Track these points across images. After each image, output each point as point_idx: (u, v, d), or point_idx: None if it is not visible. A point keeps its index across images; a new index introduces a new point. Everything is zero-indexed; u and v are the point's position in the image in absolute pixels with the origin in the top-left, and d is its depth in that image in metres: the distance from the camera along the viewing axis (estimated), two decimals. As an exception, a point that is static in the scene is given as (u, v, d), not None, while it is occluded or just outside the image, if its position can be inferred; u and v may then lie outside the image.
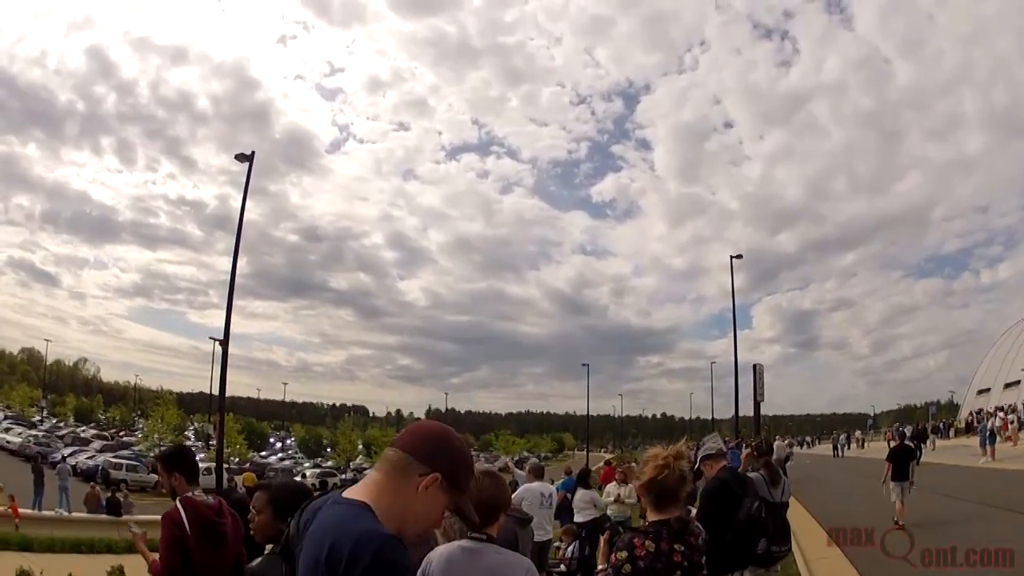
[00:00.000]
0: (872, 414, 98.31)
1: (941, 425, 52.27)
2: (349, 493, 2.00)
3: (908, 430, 32.59)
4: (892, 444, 16.15)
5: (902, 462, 14.01)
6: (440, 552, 3.22)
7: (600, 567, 5.93)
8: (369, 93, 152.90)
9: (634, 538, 3.50)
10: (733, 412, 40.12)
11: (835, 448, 51.93)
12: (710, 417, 73.19)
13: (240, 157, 22.69)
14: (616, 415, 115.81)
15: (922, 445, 30.46)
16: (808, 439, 77.84)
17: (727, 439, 21.28)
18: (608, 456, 43.63)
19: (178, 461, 4.31)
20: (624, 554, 3.44)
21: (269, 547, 3.49)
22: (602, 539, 7.41)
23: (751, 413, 42.05)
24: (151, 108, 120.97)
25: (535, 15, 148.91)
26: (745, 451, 9.72)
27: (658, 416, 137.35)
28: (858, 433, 66.14)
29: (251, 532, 3.60)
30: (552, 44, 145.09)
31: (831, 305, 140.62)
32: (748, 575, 5.57)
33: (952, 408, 76.56)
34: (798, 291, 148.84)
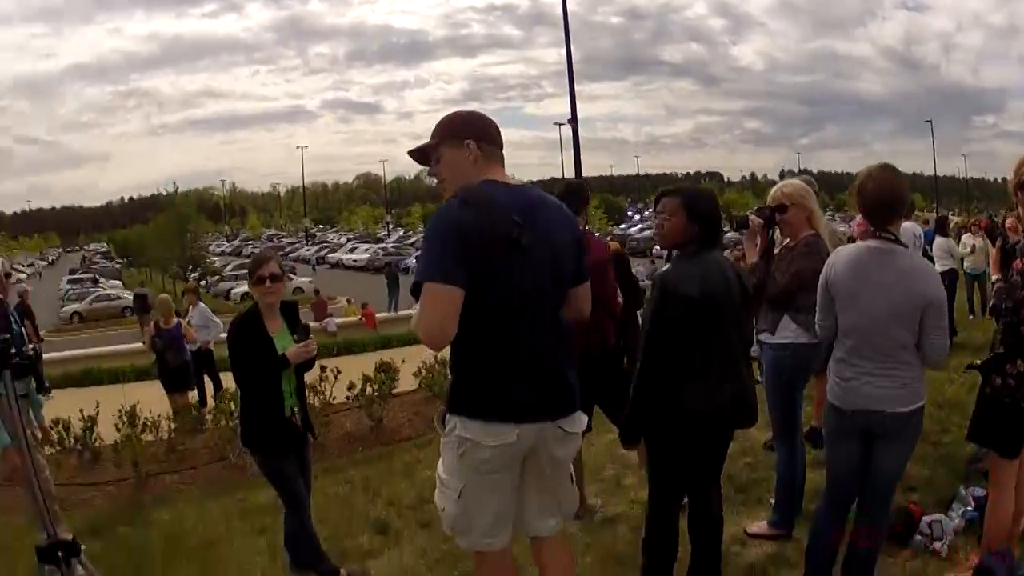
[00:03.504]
0: None
1: None
2: None
3: None
4: None
5: None
6: (847, 251, 3.42)
7: (994, 277, 6.08)
8: None
9: None
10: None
11: None
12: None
13: None
14: (960, 176, 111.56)
15: None
16: None
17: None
18: (956, 219, 39.95)
19: None
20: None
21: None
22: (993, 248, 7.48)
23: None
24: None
25: None
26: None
27: (999, 180, 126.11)
28: None
29: (662, 240, 3.76)
30: None
31: None
32: None
33: None
34: None
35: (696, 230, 3.53)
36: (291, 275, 25.21)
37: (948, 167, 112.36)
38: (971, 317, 12.97)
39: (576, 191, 4.94)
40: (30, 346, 3.37)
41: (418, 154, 3.04)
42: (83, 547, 2.36)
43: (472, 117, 3.00)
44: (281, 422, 4.32)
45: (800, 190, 4.50)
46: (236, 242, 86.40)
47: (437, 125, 2.98)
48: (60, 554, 2.23)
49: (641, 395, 3.48)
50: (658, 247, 3.61)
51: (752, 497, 5.01)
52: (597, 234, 5.07)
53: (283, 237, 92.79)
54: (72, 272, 59.77)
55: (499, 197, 2.82)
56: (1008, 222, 6.52)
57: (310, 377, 7.70)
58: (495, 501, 2.86)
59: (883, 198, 3.29)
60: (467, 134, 2.90)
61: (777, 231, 4.60)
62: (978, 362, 3.59)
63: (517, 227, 2.80)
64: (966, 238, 13.75)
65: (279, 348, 4.31)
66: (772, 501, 4.58)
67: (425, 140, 2.95)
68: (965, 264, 13.24)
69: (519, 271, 2.80)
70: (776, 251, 4.55)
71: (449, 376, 2.94)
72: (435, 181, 3.01)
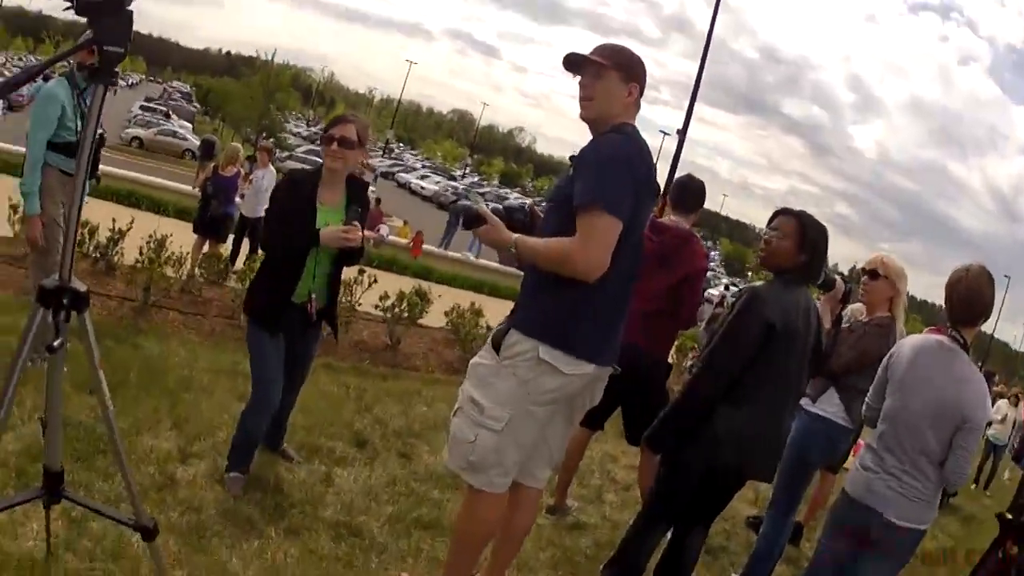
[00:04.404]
0: None
1: None
2: None
3: None
4: None
5: None
6: (917, 338, 3.44)
7: None
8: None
9: None
10: None
11: None
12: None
13: None
14: (1014, 346, 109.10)
15: None
16: None
17: None
18: (998, 387, 39.20)
19: None
20: None
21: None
22: None
23: None
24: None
25: None
26: None
27: None
28: None
29: (765, 257, 3.62)
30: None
31: None
32: None
33: None
34: None
35: (803, 260, 3.49)
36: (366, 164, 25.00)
37: (1006, 332, 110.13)
38: (974, 487, 12.73)
39: (698, 191, 4.88)
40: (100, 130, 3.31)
41: (576, 61, 2.99)
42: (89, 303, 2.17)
43: (642, 64, 3.03)
44: (286, 301, 3.96)
45: (900, 268, 4.41)
46: (315, 129, 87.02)
47: (608, 48, 3.01)
48: (65, 301, 2.05)
49: (689, 401, 3.43)
50: (763, 265, 3.55)
51: (718, 563, 4.90)
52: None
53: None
54: (148, 100, 60.47)
55: (647, 148, 2.95)
56: None
57: (347, 274, 7.68)
58: (533, 436, 2.95)
59: (972, 299, 3.30)
60: (635, 76, 2.98)
61: (848, 307, 4.56)
62: (1009, 516, 3.41)
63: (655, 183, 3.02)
64: (1001, 403, 13.76)
65: (320, 222, 3.91)
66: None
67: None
68: (991, 430, 13.07)
69: (642, 227, 3.01)
70: (846, 322, 4.48)
71: (533, 298, 2.94)
72: (581, 93, 2.99)
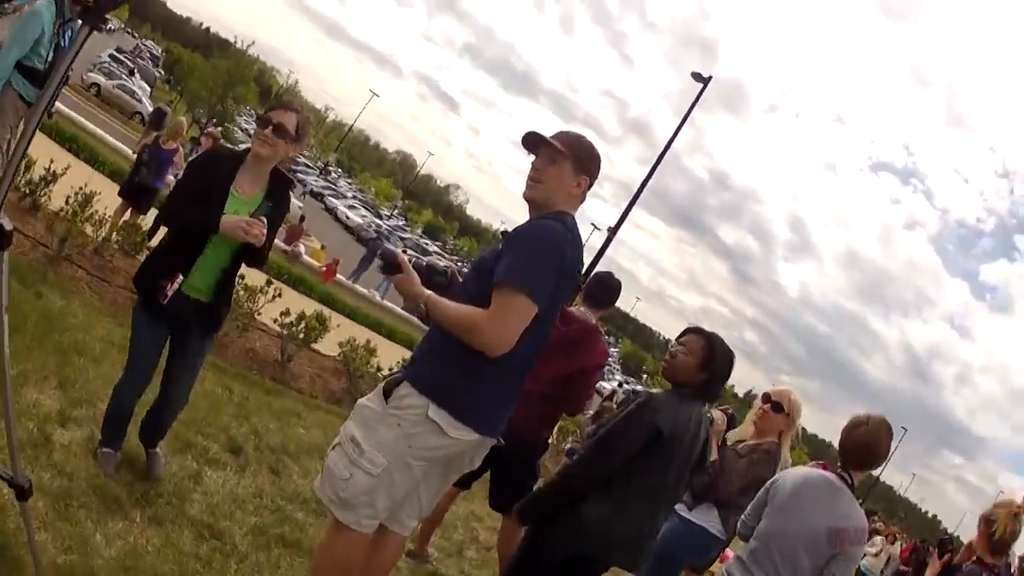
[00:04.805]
0: None
1: None
2: None
3: None
4: None
5: None
6: (803, 470, 3.60)
7: None
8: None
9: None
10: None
11: None
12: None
13: (696, 76, 23.03)
14: (898, 490, 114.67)
15: None
16: None
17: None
18: (877, 524, 41.06)
19: None
20: None
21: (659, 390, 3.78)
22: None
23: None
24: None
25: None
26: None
27: (928, 514, 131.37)
28: None
29: (668, 368, 3.74)
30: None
31: None
32: None
33: None
34: None
35: (703, 379, 3.63)
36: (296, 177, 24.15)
37: (893, 476, 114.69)
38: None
39: (614, 290, 5.01)
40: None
41: (535, 140, 3.06)
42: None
43: (599, 160, 3.12)
44: (161, 282, 3.66)
45: (800, 407, 4.66)
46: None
47: (570, 137, 3.06)
48: None
49: (566, 485, 3.54)
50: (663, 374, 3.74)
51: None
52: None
53: (302, 156, 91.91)
54: (119, 51, 59.01)
55: (580, 242, 3.02)
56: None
57: (253, 281, 7.67)
58: (406, 488, 2.96)
59: (867, 448, 3.47)
60: (589, 171, 3.06)
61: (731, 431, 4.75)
62: None
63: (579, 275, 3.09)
64: (878, 539, 14.45)
65: (229, 209, 3.60)
66: None
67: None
68: (864, 560, 13.52)
69: (555, 314, 3.05)
70: (733, 440, 4.67)
71: (432, 356, 2.98)
72: (531, 173, 3.03)
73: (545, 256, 2.85)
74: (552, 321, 3.04)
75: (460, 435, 2.86)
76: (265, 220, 3.58)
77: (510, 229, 3.00)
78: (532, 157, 3.05)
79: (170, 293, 3.65)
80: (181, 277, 3.65)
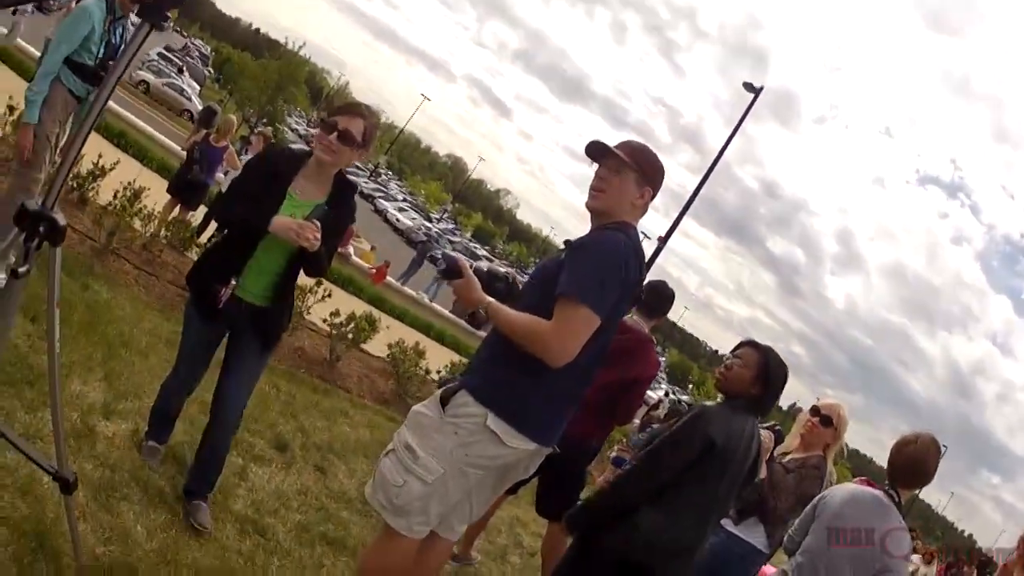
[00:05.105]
0: None
1: None
2: None
3: None
4: None
5: None
6: (851, 487, 3.64)
7: None
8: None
9: None
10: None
11: None
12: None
13: (748, 87, 22.93)
14: (936, 508, 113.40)
15: None
16: None
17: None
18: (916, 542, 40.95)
19: None
20: None
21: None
22: None
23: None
24: (654, 4, 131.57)
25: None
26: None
27: (964, 533, 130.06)
28: None
29: (723, 381, 3.69)
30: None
31: None
32: None
33: None
34: None
35: (756, 392, 3.58)
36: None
37: (931, 495, 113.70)
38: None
39: (668, 299, 4.97)
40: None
41: (599, 151, 3.01)
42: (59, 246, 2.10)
43: (663, 172, 3.07)
44: (216, 286, 3.44)
45: (847, 422, 4.59)
46: (313, 131, 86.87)
47: (635, 147, 3.02)
48: (42, 229, 1.99)
49: (619, 494, 3.47)
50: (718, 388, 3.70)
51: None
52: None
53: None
54: (168, 49, 59.93)
55: (643, 254, 3.01)
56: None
57: (304, 280, 7.58)
58: (460, 496, 2.93)
59: (916, 466, 3.51)
60: (653, 183, 3.02)
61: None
62: None
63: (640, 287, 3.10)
64: (915, 557, 14.05)
65: (285, 211, 3.37)
66: None
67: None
68: None
69: (615, 326, 3.01)
70: (783, 453, 4.61)
71: (492, 365, 2.93)
72: (595, 183, 3.00)
73: (610, 269, 2.82)
74: (612, 332, 2.99)
75: (518, 444, 2.83)
76: (319, 224, 3.31)
77: (571, 239, 2.99)
78: (595, 166, 3.01)
79: (224, 298, 3.45)
80: (234, 282, 3.45)
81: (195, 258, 7.99)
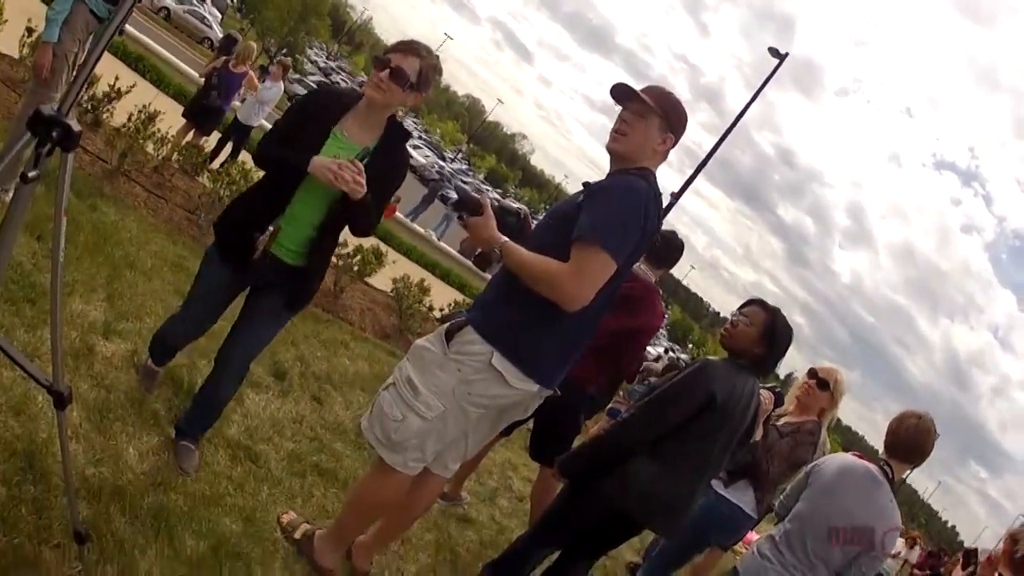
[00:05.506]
0: None
1: None
2: None
3: None
4: None
5: None
6: (846, 458, 3.53)
7: None
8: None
9: None
10: None
11: None
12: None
13: (773, 52, 22.62)
14: (922, 495, 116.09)
15: None
16: None
17: None
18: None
19: None
20: None
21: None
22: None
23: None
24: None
25: None
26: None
27: (947, 524, 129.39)
28: None
29: (727, 337, 3.66)
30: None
31: None
32: None
33: None
34: None
35: (760, 352, 3.56)
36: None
37: (919, 481, 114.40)
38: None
39: (677, 249, 4.86)
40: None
41: (624, 93, 2.96)
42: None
43: (686, 119, 3.03)
44: (248, 234, 3.15)
45: (844, 390, 4.59)
46: (332, 63, 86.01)
47: (660, 92, 2.97)
48: (55, 135, 1.95)
49: (614, 443, 3.45)
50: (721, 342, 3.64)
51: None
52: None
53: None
54: (190, -23, 59.16)
55: (661, 200, 2.95)
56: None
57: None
58: (457, 434, 2.94)
59: (917, 442, 3.47)
60: (675, 129, 2.97)
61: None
62: None
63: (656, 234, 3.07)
64: (899, 542, 14.30)
65: (329, 151, 3.06)
66: None
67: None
68: (885, 564, 13.75)
69: (628, 272, 3.00)
70: (778, 416, 4.63)
71: (500, 304, 2.89)
72: (618, 125, 2.95)
73: (630, 214, 2.78)
74: (624, 278, 2.96)
75: (521, 385, 2.83)
76: (362, 168, 2.97)
77: (590, 181, 2.93)
78: (619, 109, 2.96)
79: (261, 247, 3.14)
80: (271, 229, 3.13)
81: (205, 184, 8.01)
